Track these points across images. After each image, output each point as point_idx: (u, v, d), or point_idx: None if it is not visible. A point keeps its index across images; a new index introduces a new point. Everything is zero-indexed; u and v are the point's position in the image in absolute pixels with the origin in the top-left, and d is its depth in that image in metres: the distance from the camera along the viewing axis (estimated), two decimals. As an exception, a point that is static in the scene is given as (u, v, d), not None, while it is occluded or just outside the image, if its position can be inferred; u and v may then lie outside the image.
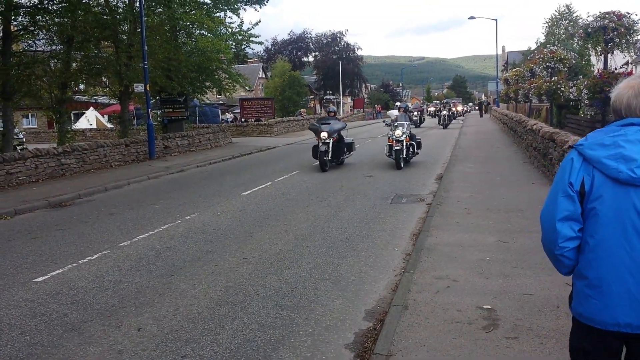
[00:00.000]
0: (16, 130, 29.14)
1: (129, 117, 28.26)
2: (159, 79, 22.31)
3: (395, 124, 15.32)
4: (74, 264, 6.81)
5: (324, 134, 14.95)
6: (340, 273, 6.17)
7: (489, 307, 4.83)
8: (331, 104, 17.99)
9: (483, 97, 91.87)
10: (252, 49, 32.58)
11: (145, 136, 20.54)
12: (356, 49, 78.43)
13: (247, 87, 37.52)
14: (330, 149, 15.14)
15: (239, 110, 39.90)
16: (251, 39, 28.44)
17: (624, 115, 2.27)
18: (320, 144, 15.04)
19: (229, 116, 47.44)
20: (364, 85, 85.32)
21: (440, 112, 36.56)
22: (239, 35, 28.15)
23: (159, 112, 26.77)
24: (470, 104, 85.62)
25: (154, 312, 5.12)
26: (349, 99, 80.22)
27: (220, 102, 50.59)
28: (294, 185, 12.91)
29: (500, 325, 4.45)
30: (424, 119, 39.30)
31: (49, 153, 15.75)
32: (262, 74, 65.74)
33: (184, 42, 25.39)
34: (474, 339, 4.24)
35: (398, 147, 14.68)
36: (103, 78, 23.65)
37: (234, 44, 28.94)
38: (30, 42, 19.24)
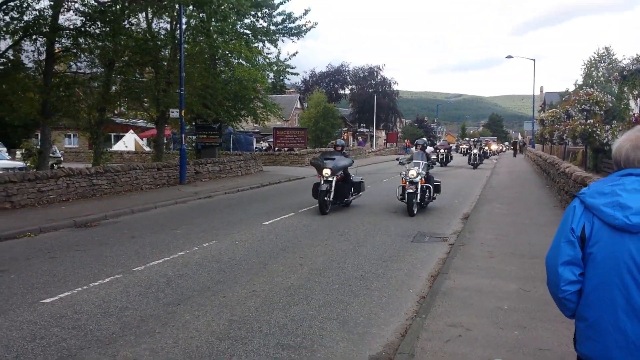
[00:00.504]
0: (55, 148, 30.00)
1: (165, 142, 28.87)
2: (195, 106, 22.73)
3: (411, 162, 13.69)
4: (85, 287, 6.78)
5: (326, 171, 13.22)
6: (350, 313, 5.96)
7: (500, 361, 4.55)
8: (340, 139, 16.63)
9: (519, 137, 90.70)
10: (289, 80, 32.90)
11: (178, 161, 20.82)
12: (392, 84, 78.93)
13: (282, 117, 38.10)
14: (333, 188, 13.34)
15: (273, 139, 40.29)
16: (287, 69, 28.79)
17: (623, 166, 2.42)
18: (322, 182, 13.27)
19: (263, 144, 47.97)
20: (398, 120, 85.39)
21: (471, 151, 34.46)
22: (276, 66, 28.56)
23: (193, 138, 27.26)
24: (506, 143, 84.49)
25: (153, 343, 5.01)
26: (382, 133, 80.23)
27: (256, 130, 51.22)
28: (316, 217, 12.77)
29: (510, 382, 4.17)
30: (451, 157, 37.10)
31: (81, 173, 16.04)
32: (298, 105, 66.43)
33: (221, 70, 25.91)
34: (480, 395, 3.98)
35: (411, 190, 12.93)
36: (142, 102, 24.20)
37: (270, 74, 29.38)
38: (72, 63, 19.83)
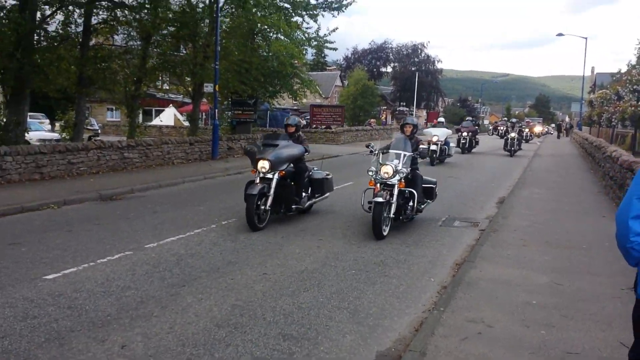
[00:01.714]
0: (92, 121, 30.42)
1: (203, 117, 28.74)
2: (231, 81, 22.45)
3: (388, 152, 8.88)
4: (92, 263, 6.58)
5: (262, 164, 8.83)
6: (362, 302, 5.55)
7: (521, 365, 4.07)
8: (293, 116, 11.22)
9: (566, 118, 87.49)
10: (327, 56, 32.27)
11: (211, 136, 20.64)
12: (436, 62, 76.99)
13: (320, 94, 37.50)
14: (272, 190, 8.81)
15: (310, 117, 39.85)
16: (326, 45, 28.09)
17: None
18: (256, 181, 8.84)
19: (301, 122, 47.53)
20: (441, 99, 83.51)
21: (508, 134, 27.80)
22: (315, 41, 27.93)
23: (229, 114, 27.08)
24: (552, 125, 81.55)
25: (148, 327, 4.72)
26: (424, 112, 78.70)
27: (295, 107, 50.79)
28: (343, 196, 12.34)
29: (530, 391, 3.70)
30: (476, 142, 29.04)
31: (112, 146, 16.03)
32: (338, 82, 65.56)
33: (259, 45, 25.47)
34: (493, 405, 3.53)
35: (380, 200, 8.10)
36: (178, 76, 24.07)
37: (309, 49, 28.78)
38: (109, 36, 19.77)
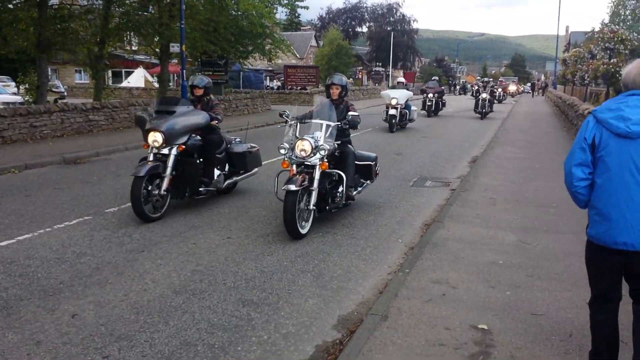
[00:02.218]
0: (57, 83, 29.39)
1: (172, 78, 27.99)
2: (199, 41, 21.80)
3: (309, 122, 6.81)
4: (48, 229, 6.31)
5: (154, 136, 6.90)
6: (327, 265, 5.41)
7: (485, 327, 3.98)
8: (201, 75, 8.49)
9: (542, 77, 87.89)
10: (300, 15, 31.28)
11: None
12: (412, 21, 76.26)
13: (295, 54, 36.94)
14: (169, 169, 6.93)
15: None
16: (297, 3, 27.37)
17: (630, 88, 3.02)
18: (149, 159, 7.02)
19: (276, 83, 46.78)
20: (417, 59, 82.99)
21: (479, 95, 25.45)
22: (285, 0, 27.18)
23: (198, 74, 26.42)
24: (529, 84, 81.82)
25: (101, 295, 4.52)
26: (400, 73, 78.21)
27: (270, 68, 49.91)
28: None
29: (493, 354, 3.61)
30: (443, 103, 26.79)
31: (76, 108, 15.49)
32: (314, 42, 64.44)
33: (227, 4, 24.66)
34: (454, 369, 3.44)
35: (292, 187, 5.99)
36: (144, 36, 23.26)
37: (280, 8, 28.02)
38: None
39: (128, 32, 21.37)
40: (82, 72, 49.10)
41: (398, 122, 18.49)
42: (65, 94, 28.80)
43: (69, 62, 21.99)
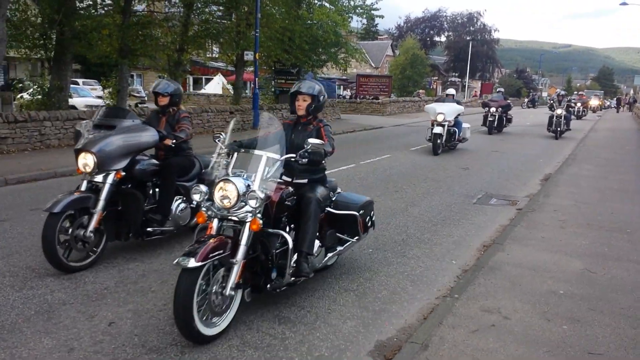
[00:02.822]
0: (139, 88, 30.78)
1: (246, 86, 28.49)
2: (273, 49, 22.19)
3: (250, 152, 4.40)
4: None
5: (84, 159, 5.35)
6: (373, 284, 5.20)
7: (532, 364, 3.65)
8: (166, 81, 6.41)
9: (631, 92, 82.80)
10: (377, 24, 30.88)
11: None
12: (493, 31, 74.22)
13: (371, 63, 36.79)
14: (101, 203, 5.33)
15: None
16: (372, 12, 27.23)
17: None
18: (83, 187, 5.47)
19: (348, 92, 46.81)
20: (497, 70, 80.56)
21: (554, 111, 21.76)
22: (361, 9, 27.13)
23: (273, 83, 26.86)
24: (615, 98, 77.27)
25: (142, 303, 4.54)
26: (478, 84, 76.22)
27: (344, 77, 49.98)
28: (376, 170, 11.89)
29: (538, 396, 3.28)
30: (508, 119, 23.59)
31: (146, 114, 16.05)
32: (390, 52, 64.04)
33: (302, 13, 24.94)
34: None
35: (190, 264, 3.68)
36: (221, 44, 23.94)
37: (356, 17, 27.97)
38: (151, 2, 19.69)
39: (207, 40, 21.96)
40: (165, 78, 51.30)
41: (445, 143, 15.32)
42: (146, 98, 30.10)
43: (149, 68, 22.76)
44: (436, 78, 65.33)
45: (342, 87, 47.38)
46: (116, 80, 19.49)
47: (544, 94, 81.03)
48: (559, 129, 21.15)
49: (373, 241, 6.55)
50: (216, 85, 43.11)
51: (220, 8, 22.10)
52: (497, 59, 78.15)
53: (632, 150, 17.06)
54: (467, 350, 3.83)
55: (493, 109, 22.15)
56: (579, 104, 33.37)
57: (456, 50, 71.33)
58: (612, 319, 4.39)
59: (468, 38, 70.47)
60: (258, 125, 4.84)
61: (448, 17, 75.74)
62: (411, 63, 48.20)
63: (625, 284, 5.21)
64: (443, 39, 77.57)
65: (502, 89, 27.28)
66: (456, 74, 67.12)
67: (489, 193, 9.90)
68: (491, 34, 74.55)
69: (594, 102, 47.04)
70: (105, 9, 17.91)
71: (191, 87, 49.28)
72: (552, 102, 23.71)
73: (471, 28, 74.04)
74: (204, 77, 48.13)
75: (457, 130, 15.69)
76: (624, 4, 40.86)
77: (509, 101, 25.25)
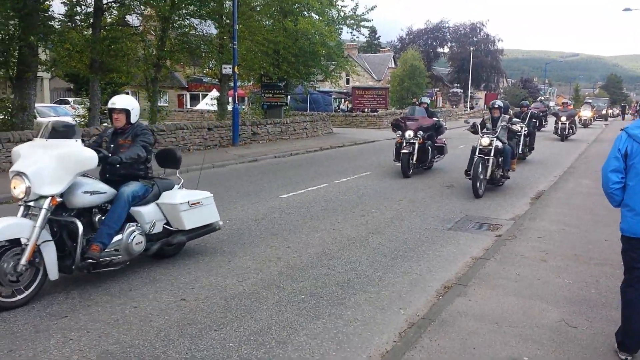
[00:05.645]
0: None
1: (227, 100, 27.43)
2: (256, 62, 21.26)
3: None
4: None
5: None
6: (285, 350, 4.04)
7: None
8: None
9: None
10: (363, 35, 29.54)
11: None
12: (497, 41, 73.15)
13: (372, 76, 35.87)
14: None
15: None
16: (362, 23, 26.19)
17: None
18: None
19: (347, 105, 45.80)
20: (502, 80, 79.33)
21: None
22: (351, 19, 26.14)
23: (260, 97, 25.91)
24: (619, 106, 75.42)
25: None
26: (482, 94, 75.05)
27: (345, 90, 49.01)
28: (348, 190, 10.75)
29: None
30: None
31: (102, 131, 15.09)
32: (392, 64, 63.04)
33: (287, 25, 23.99)
34: None
35: None
36: (202, 58, 23.04)
37: (344, 28, 26.97)
38: (122, 17, 18.78)
39: (185, 54, 20.97)
40: (161, 94, 50.60)
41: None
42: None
43: (125, 84, 21.98)
44: (438, 89, 64.19)
45: (342, 99, 46.33)
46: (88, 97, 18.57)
47: (551, 103, 79.68)
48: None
49: (311, 283, 5.41)
50: (210, 101, 42.36)
51: (200, 21, 21.14)
52: (502, 69, 76.93)
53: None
54: None
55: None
56: (563, 118, 23.81)
57: (459, 61, 70.27)
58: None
59: (471, 49, 69.46)
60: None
61: (450, 29, 74.81)
62: (409, 74, 47.06)
63: (612, 343, 4.03)
64: (446, 50, 76.64)
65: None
66: (458, 85, 65.93)
67: (469, 216, 8.72)
68: (495, 44, 73.45)
69: (584, 112, 34.97)
70: (73, 24, 16.99)
71: (188, 104, 48.61)
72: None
73: (474, 39, 72.96)
74: (200, 93, 47.48)
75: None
76: (628, 9, 39.70)
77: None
